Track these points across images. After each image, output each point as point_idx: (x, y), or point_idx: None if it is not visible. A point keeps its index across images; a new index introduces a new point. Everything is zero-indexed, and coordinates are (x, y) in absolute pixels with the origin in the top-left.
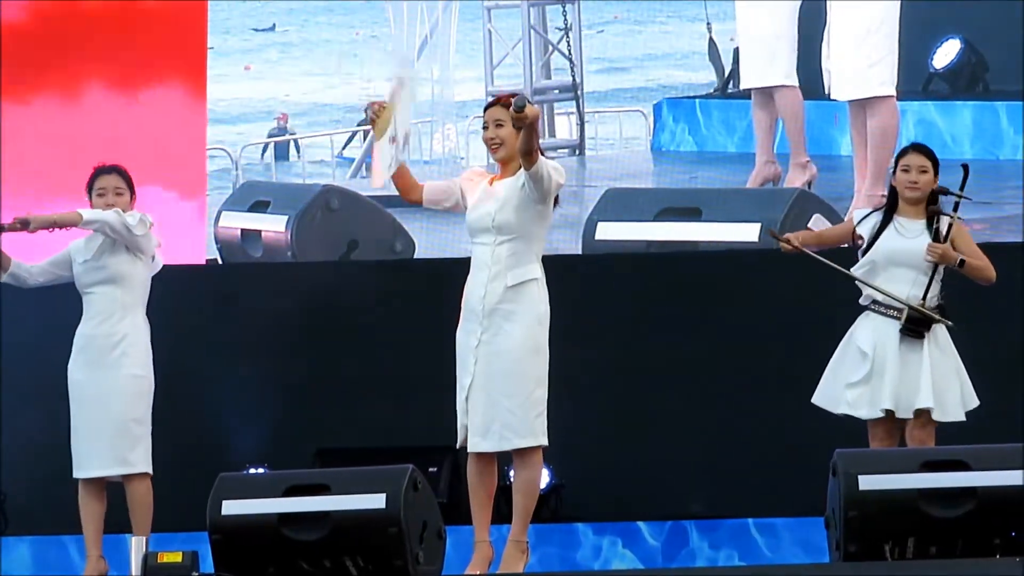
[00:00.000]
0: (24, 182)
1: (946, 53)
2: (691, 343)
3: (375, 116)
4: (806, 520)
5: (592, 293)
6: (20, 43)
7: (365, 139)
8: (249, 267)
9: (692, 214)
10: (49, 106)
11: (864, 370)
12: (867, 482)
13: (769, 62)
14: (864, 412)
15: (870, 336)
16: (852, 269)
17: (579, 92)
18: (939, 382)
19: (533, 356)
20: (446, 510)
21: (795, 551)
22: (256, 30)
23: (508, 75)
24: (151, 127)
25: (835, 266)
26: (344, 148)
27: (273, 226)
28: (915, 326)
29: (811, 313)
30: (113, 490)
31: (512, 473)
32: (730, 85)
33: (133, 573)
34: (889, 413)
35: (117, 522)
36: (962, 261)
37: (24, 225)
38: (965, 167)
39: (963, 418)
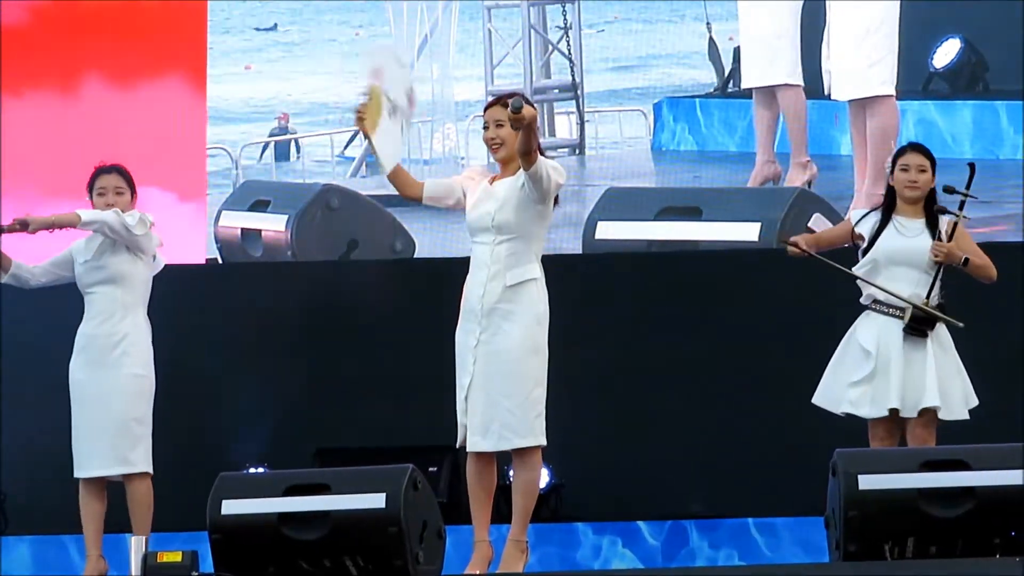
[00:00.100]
0: (24, 182)
1: (946, 53)
2: (691, 343)
3: (361, 117)
4: (806, 520)
5: (592, 293)
6: (20, 43)
7: (365, 139)
8: (249, 267)
9: (692, 213)
10: (49, 106)
11: (867, 369)
12: (867, 482)
13: (771, 61)
14: (867, 411)
15: (873, 335)
16: (854, 269)
17: (579, 91)
18: (943, 381)
19: (532, 356)
20: (446, 510)
21: (795, 551)
22: (257, 29)
23: (508, 75)
24: (151, 127)
25: (841, 268)
26: (345, 148)
27: (273, 225)
28: (919, 325)
29: (811, 313)
30: (113, 490)
31: (512, 473)
32: (730, 84)
33: (133, 573)
34: (893, 412)
35: (117, 522)
36: (966, 260)
37: (24, 226)
38: (971, 166)
39: (967, 416)
